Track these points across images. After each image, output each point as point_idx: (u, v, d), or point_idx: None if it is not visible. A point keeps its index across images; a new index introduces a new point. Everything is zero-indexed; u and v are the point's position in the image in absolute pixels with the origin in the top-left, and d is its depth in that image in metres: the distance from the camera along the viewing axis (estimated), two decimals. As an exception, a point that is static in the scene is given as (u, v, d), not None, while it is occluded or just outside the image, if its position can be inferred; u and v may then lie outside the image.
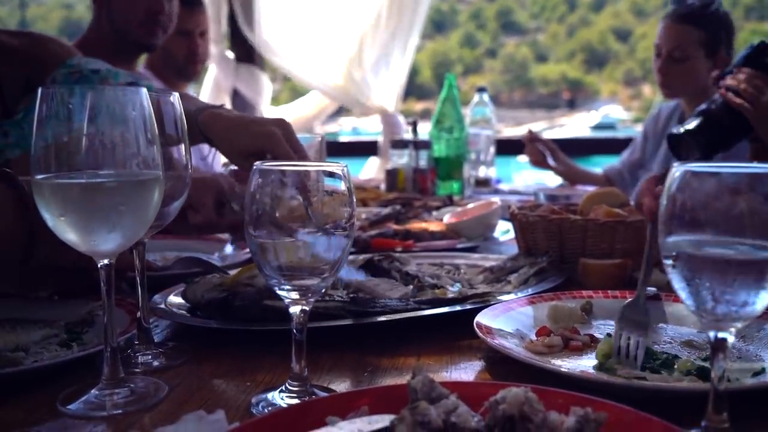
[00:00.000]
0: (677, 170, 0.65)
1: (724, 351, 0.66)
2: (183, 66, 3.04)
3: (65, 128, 0.75)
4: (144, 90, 0.79)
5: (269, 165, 0.78)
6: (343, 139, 5.54)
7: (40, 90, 0.76)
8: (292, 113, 4.44)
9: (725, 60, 2.71)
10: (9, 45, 1.57)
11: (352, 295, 1.07)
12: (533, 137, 3.06)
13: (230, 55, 4.31)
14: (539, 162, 3.08)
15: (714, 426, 0.66)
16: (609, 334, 0.97)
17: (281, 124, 1.25)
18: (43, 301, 1.15)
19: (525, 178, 6.19)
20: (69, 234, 0.78)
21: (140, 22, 2.44)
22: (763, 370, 0.85)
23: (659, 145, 2.95)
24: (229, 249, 1.64)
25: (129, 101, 0.77)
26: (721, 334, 0.65)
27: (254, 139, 1.22)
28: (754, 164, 0.62)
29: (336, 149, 4.32)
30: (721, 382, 0.66)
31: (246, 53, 4.32)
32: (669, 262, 0.65)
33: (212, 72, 4.29)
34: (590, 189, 2.10)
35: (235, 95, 4.33)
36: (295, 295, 0.79)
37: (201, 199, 1.43)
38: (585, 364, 0.92)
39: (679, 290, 0.66)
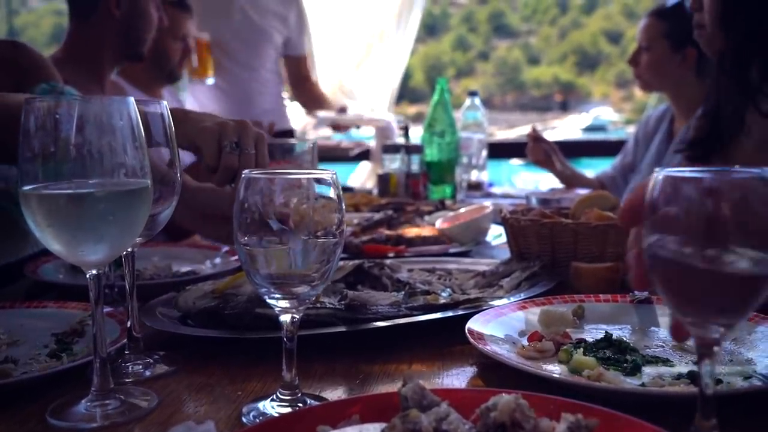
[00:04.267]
0: (658, 175, 0.63)
1: (711, 357, 0.65)
2: (174, 68, 3.06)
3: (52, 138, 0.74)
4: (131, 99, 0.79)
5: (257, 173, 0.78)
6: (334, 143, 5.51)
7: (25, 101, 0.75)
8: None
9: (693, 57, 2.74)
10: None
11: (343, 303, 1.07)
12: (537, 136, 3.06)
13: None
14: (540, 161, 3.07)
15: None
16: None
17: (219, 123, 1.14)
18: (33, 312, 1.15)
19: (524, 180, 6.21)
20: (57, 245, 0.77)
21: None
22: (753, 374, 0.85)
23: (648, 148, 2.98)
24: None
25: (116, 110, 0.77)
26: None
27: (180, 135, 1.07)
28: (737, 169, 0.61)
29: (328, 154, 4.30)
30: (708, 388, 0.65)
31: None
32: (651, 269, 0.64)
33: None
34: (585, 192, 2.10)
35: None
36: (285, 303, 0.79)
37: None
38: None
39: (663, 297, 0.65)
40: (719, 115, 1.77)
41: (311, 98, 3.77)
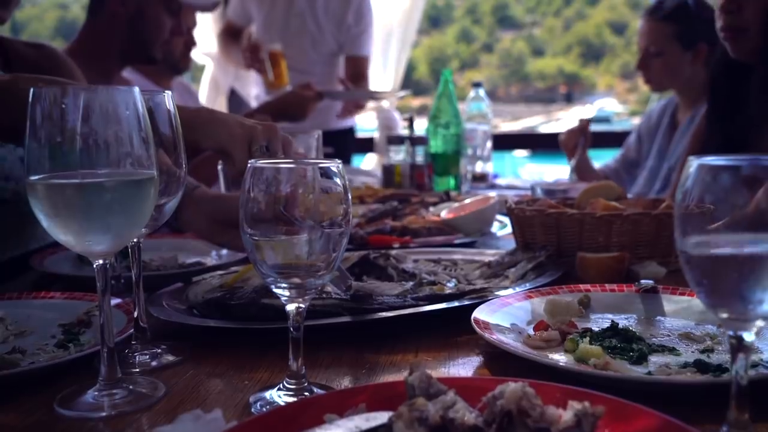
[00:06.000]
0: (692, 164, 0.62)
1: (745, 351, 0.63)
2: (179, 60, 3.06)
3: (59, 128, 0.75)
4: (137, 89, 0.79)
5: (263, 163, 0.78)
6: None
7: (32, 91, 0.76)
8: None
9: (706, 52, 2.72)
10: (24, 53, 1.62)
11: (349, 293, 1.07)
12: (584, 127, 3.02)
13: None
14: (571, 149, 3.03)
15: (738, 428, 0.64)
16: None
17: (248, 128, 1.14)
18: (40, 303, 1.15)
19: (529, 172, 6.20)
20: (63, 234, 0.78)
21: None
22: (760, 362, 0.85)
23: (653, 143, 2.97)
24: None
25: (122, 100, 0.77)
26: (740, 333, 0.63)
27: (209, 138, 1.14)
28: None
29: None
30: (744, 380, 0.63)
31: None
32: (685, 260, 0.63)
33: (209, 71, 4.28)
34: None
35: (232, 94, 4.32)
36: (291, 292, 0.79)
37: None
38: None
39: (695, 289, 0.64)
40: (737, 119, 1.78)
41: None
